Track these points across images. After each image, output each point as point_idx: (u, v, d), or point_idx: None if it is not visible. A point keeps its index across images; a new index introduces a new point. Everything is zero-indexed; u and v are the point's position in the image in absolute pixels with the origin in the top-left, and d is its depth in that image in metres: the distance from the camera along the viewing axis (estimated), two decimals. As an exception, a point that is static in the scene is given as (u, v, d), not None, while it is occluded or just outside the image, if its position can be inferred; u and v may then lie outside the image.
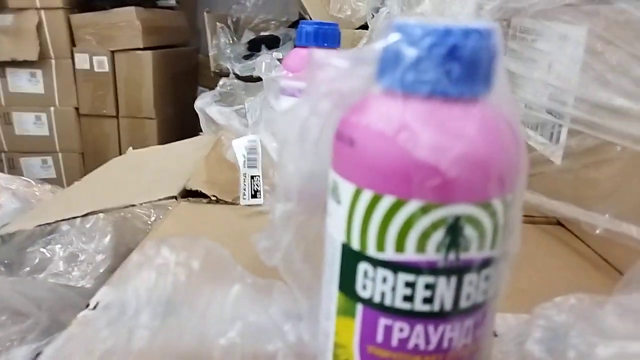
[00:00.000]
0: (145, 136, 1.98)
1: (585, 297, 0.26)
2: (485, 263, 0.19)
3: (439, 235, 0.18)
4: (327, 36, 0.48)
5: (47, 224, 0.56)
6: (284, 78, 0.46)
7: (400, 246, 0.19)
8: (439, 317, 0.19)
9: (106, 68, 1.93)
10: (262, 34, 2.05)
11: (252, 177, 0.47)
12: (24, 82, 1.88)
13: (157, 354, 0.24)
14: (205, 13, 1.89)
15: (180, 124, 2.04)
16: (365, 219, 0.19)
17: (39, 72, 1.89)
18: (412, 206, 0.18)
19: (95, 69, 1.93)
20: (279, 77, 0.46)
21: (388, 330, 0.20)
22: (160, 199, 0.47)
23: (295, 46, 0.50)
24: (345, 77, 0.19)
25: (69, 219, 0.50)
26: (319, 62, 0.19)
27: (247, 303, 0.26)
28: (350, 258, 0.20)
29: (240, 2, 2.13)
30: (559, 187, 0.47)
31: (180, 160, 0.64)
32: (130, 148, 0.86)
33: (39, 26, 1.84)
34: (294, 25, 1.90)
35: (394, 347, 0.20)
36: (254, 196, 0.47)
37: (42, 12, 1.83)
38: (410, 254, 0.19)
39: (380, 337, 0.20)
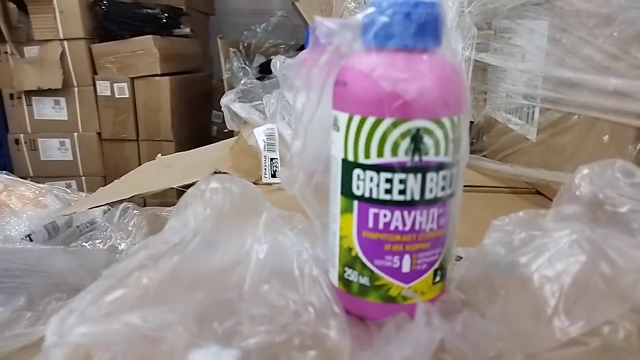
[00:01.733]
0: (164, 157, 2.09)
1: (532, 211, 0.34)
2: (441, 166, 0.28)
3: (406, 143, 0.27)
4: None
5: (98, 206, 0.65)
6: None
7: (380, 153, 0.28)
8: (410, 205, 0.28)
9: (126, 94, 2.05)
10: (273, 57, 2.16)
11: (271, 159, 0.56)
12: (48, 109, 2.01)
13: (198, 265, 0.32)
14: (218, 39, 2.02)
15: (197, 145, 2.15)
16: (356, 136, 0.28)
17: (62, 100, 2.02)
18: (386, 123, 0.27)
19: (116, 95, 2.05)
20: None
21: (376, 217, 0.29)
22: (194, 182, 0.56)
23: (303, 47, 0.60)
24: (336, 36, 0.28)
25: (118, 201, 0.59)
26: (319, 24, 0.28)
27: (274, 226, 0.35)
28: (347, 167, 0.29)
29: (250, 28, 2.26)
30: (534, 158, 0.56)
31: (205, 158, 0.74)
32: (159, 155, 0.95)
33: (63, 56, 1.97)
34: (302, 48, 2.01)
35: (380, 229, 0.29)
36: (273, 175, 0.56)
37: (65, 43, 1.97)
38: (387, 158, 0.27)
39: (370, 223, 0.29)
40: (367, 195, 0.28)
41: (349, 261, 0.30)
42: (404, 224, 0.28)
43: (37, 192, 0.79)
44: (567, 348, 0.26)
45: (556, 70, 0.50)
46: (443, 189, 0.29)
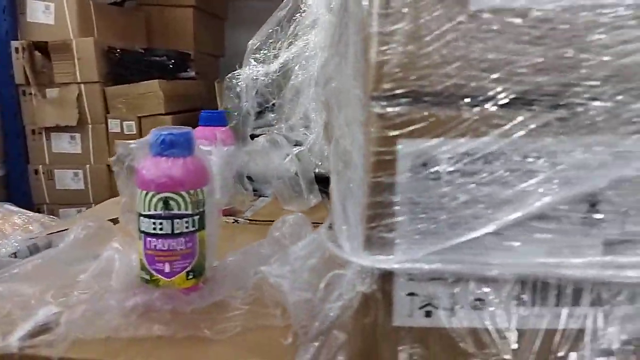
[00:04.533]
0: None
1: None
2: (183, 215, 0.55)
3: (160, 204, 0.54)
4: (215, 119, 0.86)
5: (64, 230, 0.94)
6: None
7: (150, 208, 0.55)
8: (166, 236, 0.55)
9: (134, 131, 2.39)
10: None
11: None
12: (65, 144, 2.36)
13: (57, 264, 0.60)
14: (216, 83, 2.34)
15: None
16: (142, 199, 0.55)
17: (77, 136, 2.36)
18: (151, 193, 0.54)
19: (125, 132, 2.39)
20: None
21: (150, 242, 0.56)
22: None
23: (199, 125, 0.88)
24: (135, 150, 0.56)
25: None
26: (123, 144, 0.56)
27: (116, 247, 0.62)
28: (139, 216, 0.56)
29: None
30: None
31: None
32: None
33: (79, 97, 2.32)
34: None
35: (152, 248, 0.56)
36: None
37: (82, 86, 2.32)
38: (153, 211, 0.55)
39: (148, 245, 0.56)
40: (146, 230, 0.56)
41: (142, 266, 0.57)
42: (164, 246, 0.55)
43: (26, 220, 1.09)
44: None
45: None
46: (187, 227, 0.56)
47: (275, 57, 0.89)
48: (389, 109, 0.36)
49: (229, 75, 1.00)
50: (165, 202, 0.55)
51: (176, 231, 0.55)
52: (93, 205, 2.41)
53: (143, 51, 2.55)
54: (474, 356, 0.39)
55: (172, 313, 0.54)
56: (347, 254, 0.41)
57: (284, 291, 0.45)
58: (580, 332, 0.38)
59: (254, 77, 0.92)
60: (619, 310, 0.37)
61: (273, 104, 0.91)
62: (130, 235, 0.61)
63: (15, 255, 1.07)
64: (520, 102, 0.35)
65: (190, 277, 0.57)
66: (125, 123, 2.39)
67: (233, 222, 0.87)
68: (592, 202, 0.36)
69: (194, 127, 0.74)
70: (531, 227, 0.37)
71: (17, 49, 2.25)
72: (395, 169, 0.37)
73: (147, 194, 0.55)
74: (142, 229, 0.56)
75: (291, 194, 0.92)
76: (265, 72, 0.91)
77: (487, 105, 0.35)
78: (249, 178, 0.95)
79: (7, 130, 2.37)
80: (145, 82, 2.37)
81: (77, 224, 0.62)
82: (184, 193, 0.55)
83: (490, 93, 0.35)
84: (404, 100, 0.36)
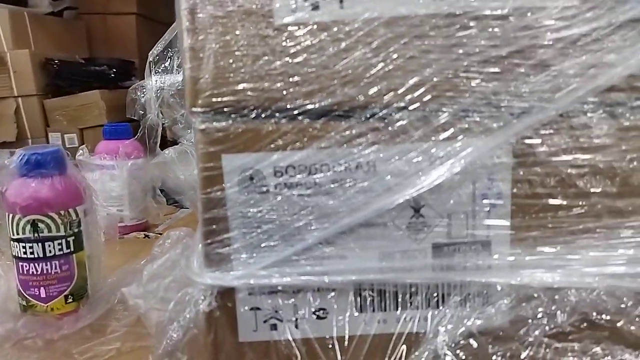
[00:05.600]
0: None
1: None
2: (55, 237, 0.54)
3: (28, 226, 0.53)
4: (119, 132, 0.85)
5: None
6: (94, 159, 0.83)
7: (18, 232, 0.54)
8: (38, 259, 0.54)
9: (76, 144, 2.34)
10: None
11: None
12: (4, 160, 2.30)
13: None
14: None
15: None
16: (10, 223, 0.54)
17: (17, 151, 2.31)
18: (19, 216, 0.53)
19: (67, 145, 2.34)
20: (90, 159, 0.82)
21: (23, 267, 0.54)
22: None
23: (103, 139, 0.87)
24: (2, 170, 0.55)
25: None
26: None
27: None
28: (10, 240, 0.55)
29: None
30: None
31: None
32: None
33: (17, 111, 2.27)
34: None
35: (25, 273, 0.54)
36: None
37: (20, 100, 2.27)
38: (22, 235, 0.54)
39: (21, 270, 0.55)
40: (18, 255, 0.55)
41: (18, 292, 0.56)
42: (37, 270, 0.54)
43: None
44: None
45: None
46: (60, 249, 0.55)
47: (179, 66, 0.88)
48: (210, 124, 0.36)
49: (132, 86, 0.98)
50: (34, 225, 0.54)
51: (48, 254, 0.55)
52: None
53: (83, 61, 2.51)
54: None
55: (45, 341, 0.53)
56: (191, 272, 0.40)
57: (142, 313, 0.44)
58: (417, 335, 0.39)
59: (159, 88, 0.91)
60: (452, 310, 0.38)
61: (182, 114, 0.90)
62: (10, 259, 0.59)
63: None
64: (334, 113, 0.36)
65: (70, 300, 0.56)
66: (66, 136, 2.35)
67: (144, 237, 0.86)
68: (416, 208, 0.37)
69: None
70: (361, 235, 0.37)
71: (-54, 64, 2.20)
72: (223, 184, 0.37)
73: (14, 217, 0.54)
74: (14, 253, 0.55)
75: (206, 204, 0.91)
76: (171, 82, 0.90)
77: (301, 118, 0.36)
78: (162, 191, 0.94)
79: (-58, 148, 2.31)
80: (85, 92, 2.33)
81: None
82: (53, 214, 0.54)
83: (305, 107, 0.35)
84: (222, 115, 0.36)
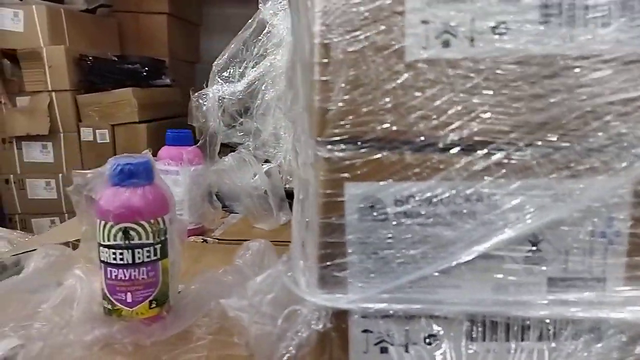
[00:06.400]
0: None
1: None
2: (144, 245, 0.56)
3: (120, 234, 0.55)
4: (182, 139, 0.87)
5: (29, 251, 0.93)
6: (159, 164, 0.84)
7: (109, 239, 0.55)
8: (127, 266, 0.56)
9: (107, 139, 2.37)
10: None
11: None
12: (36, 153, 2.33)
13: (18, 289, 0.60)
14: (190, 91, 2.34)
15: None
16: (101, 230, 0.56)
17: (49, 144, 2.34)
18: (111, 223, 0.55)
19: (98, 141, 2.37)
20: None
21: (111, 272, 0.56)
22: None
23: (166, 145, 0.89)
24: (94, 179, 0.56)
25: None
26: (80, 174, 0.57)
27: (78, 275, 0.62)
28: (99, 245, 0.57)
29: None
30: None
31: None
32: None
33: (50, 105, 2.30)
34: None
35: (113, 278, 0.56)
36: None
37: (53, 94, 2.30)
38: (112, 241, 0.55)
39: (109, 275, 0.56)
40: (107, 260, 0.56)
41: (104, 296, 0.58)
42: (125, 276, 0.56)
43: (-7, 236, 1.08)
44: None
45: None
46: (148, 256, 0.56)
47: (242, 76, 0.90)
48: (335, 153, 0.37)
49: (196, 94, 1.00)
50: (125, 233, 0.55)
51: (137, 261, 0.56)
52: (66, 215, 2.39)
53: (116, 59, 2.53)
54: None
55: (134, 345, 0.54)
56: (302, 291, 0.42)
57: (244, 325, 0.46)
58: (528, 366, 0.40)
59: (221, 97, 0.93)
60: (564, 345, 0.39)
61: (240, 123, 0.92)
62: (92, 262, 0.61)
63: (-19, 275, 1.07)
64: (458, 147, 0.37)
65: (154, 306, 0.58)
66: (98, 131, 2.37)
67: (202, 242, 0.88)
68: (534, 242, 0.38)
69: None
70: (476, 266, 0.39)
71: (-16, 57, 2.23)
72: (343, 211, 0.38)
73: (106, 224, 0.55)
74: (103, 258, 0.57)
75: (260, 212, 0.92)
76: (232, 92, 0.92)
77: (427, 151, 0.37)
78: (217, 196, 0.95)
79: (-24, 139, 2.34)
80: (118, 89, 2.36)
81: (37, 252, 0.62)
82: (144, 223, 0.55)
83: (431, 139, 0.37)
84: (348, 144, 0.37)
